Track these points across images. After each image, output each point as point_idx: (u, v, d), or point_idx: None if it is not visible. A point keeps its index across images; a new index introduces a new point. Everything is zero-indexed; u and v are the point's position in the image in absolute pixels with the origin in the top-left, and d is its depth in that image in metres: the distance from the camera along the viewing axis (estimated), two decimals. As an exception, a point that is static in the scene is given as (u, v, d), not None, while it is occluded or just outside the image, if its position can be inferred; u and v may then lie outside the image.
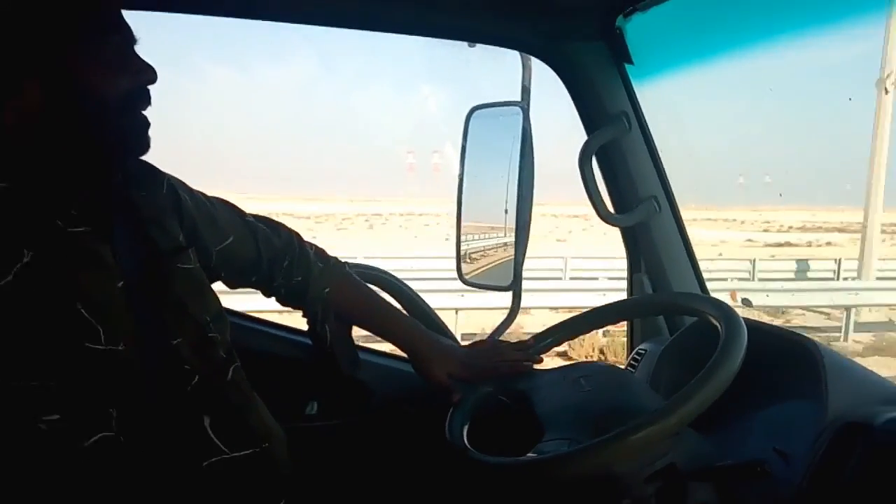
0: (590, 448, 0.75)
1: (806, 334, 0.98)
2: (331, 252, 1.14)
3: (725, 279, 9.40)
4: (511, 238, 1.29)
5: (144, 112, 0.79)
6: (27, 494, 0.70)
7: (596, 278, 8.82)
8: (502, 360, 1.05)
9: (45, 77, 0.72)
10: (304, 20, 1.21)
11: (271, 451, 0.88)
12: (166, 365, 0.80)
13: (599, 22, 1.21)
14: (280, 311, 1.27)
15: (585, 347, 6.16)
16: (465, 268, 1.39)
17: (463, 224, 1.38)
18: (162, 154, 0.94)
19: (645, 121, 1.28)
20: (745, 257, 11.12)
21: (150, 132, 0.80)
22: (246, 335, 1.22)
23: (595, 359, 5.85)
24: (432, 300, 1.50)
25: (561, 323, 1.11)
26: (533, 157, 1.25)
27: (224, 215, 1.01)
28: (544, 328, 1.10)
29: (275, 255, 1.06)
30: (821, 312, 8.52)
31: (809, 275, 10.28)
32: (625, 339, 1.45)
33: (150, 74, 0.78)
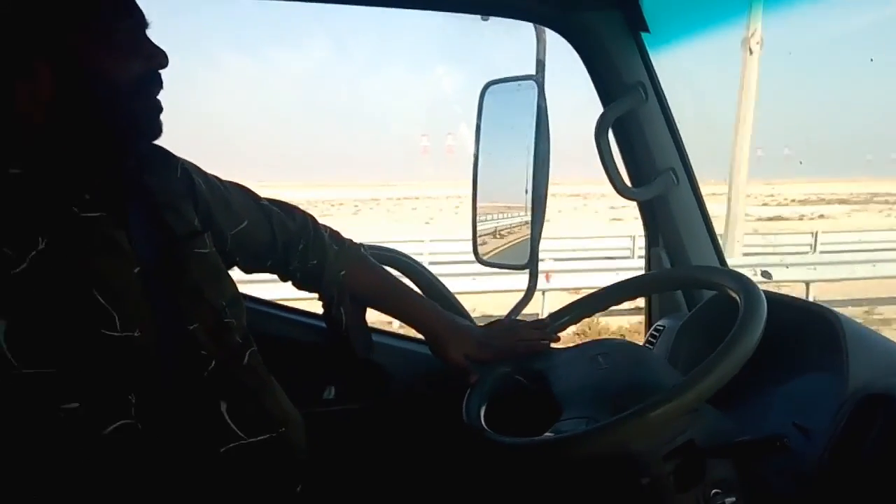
0: (606, 426, 0.74)
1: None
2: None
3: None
4: (527, 217, 1.28)
5: (157, 96, 0.79)
6: (49, 483, 0.71)
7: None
8: (519, 339, 1.04)
9: (56, 61, 0.72)
10: None
11: (288, 436, 0.88)
12: (183, 351, 0.80)
13: (615, -11, 1.17)
14: (296, 298, 1.27)
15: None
16: (480, 248, 1.38)
17: (479, 204, 1.36)
18: (175, 144, 0.94)
19: (662, 91, 1.24)
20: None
21: (163, 119, 0.80)
22: (262, 320, 1.22)
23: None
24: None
25: (577, 300, 1.10)
26: (549, 133, 1.23)
27: (238, 199, 1.01)
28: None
29: (290, 238, 1.05)
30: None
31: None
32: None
33: (161, 59, 0.78)
